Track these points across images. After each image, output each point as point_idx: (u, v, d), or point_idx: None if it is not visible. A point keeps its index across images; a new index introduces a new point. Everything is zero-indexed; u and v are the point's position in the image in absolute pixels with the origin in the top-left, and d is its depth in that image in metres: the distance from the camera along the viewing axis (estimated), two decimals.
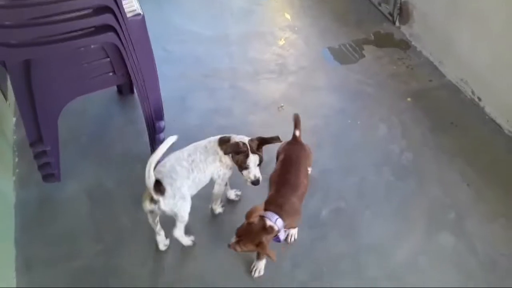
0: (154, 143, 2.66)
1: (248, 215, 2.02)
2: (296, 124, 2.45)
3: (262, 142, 2.21)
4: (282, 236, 2.08)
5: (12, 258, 2.31)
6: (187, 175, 2.16)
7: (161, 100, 2.61)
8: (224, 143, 2.23)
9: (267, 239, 1.98)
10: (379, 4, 4.00)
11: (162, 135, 2.68)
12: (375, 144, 2.92)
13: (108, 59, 2.22)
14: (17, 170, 2.74)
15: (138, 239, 2.41)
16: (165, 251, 2.36)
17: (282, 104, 3.20)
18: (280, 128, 2.94)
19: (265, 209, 2.07)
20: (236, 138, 2.23)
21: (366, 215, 2.53)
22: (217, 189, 2.38)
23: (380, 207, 2.57)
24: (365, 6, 4.17)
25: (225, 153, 2.18)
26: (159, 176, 2.07)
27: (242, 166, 2.18)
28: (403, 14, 3.74)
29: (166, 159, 2.17)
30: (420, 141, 2.92)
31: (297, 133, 2.45)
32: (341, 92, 3.31)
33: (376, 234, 2.44)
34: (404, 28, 3.78)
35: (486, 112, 3.07)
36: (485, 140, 2.93)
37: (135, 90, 2.61)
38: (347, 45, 3.72)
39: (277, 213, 2.04)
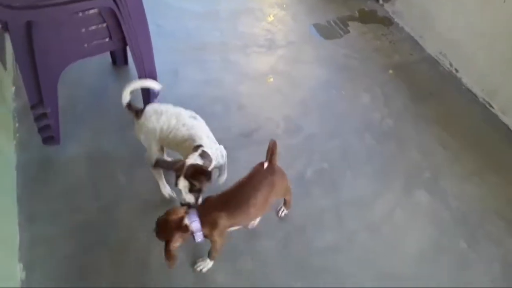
0: None
1: (170, 212, 1.99)
2: (272, 151, 2.20)
3: (202, 172, 2.02)
4: (198, 238, 2.00)
5: (15, 214, 2.43)
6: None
7: (155, 66, 2.73)
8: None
9: (180, 236, 1.95)
10: None
11: (156, 101, 2.81)
12: (358, 112, 3.09)
13: (105, 24, 2.35)
14: (17, 135, 2.86)
15: (135, 196, 2.56)
16: (160, 206, 2.51)
17: (271, 76, 3.36)
18: (268, 98, 3.12)
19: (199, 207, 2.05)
20: (194, 158, 2.08)
21: (348, 175, 2.71)
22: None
23: (361, 168, 2.74)
24: None
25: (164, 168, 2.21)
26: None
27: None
28: None
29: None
30: (400, 110, 3.10)
31: (274, 160, 2.21)
32: (327, 65, 3.47)
33: (356, 191, 2.63)
34: (387, 6, 3.95)
35: (463, 82, 3.26)
36: (461, 108, 3.12)
37: (131, 57, 2.71)
38: (333, 22, 3.87)
39: (200, 216, 1.99)
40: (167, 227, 1.96)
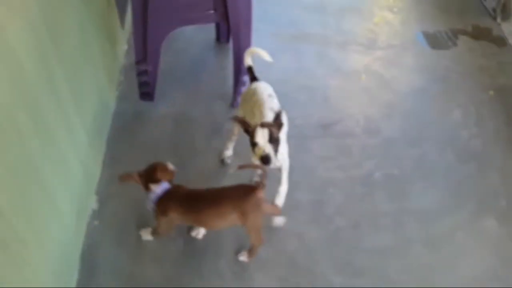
0: (238, 84, 2.96)
1: (163, 165, 2.18)
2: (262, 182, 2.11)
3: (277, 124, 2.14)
4: (148, 205, 2.14)
5: (102, 153, 2.74)
6: None
7: (251, 44, 2.86)
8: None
9: (141, 183, 2.13)
10: None
11: (246, 78, 2.95)
12: (445, 127, 2.98)
13: None
14: (120, 87, 3.19)
15: (207, 161, 2.74)
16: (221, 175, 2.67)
17: (363, 75, 3.35)
18: (355, 96, 3.15)
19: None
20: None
21: (418, 186, 2.65)
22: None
23: (434, 182, 2.66)
24: None
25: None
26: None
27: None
28: (505, 10, 3.66)
29: None
30: (492, 132, 2.93)
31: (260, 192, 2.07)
32: (425, 74, 3.37)
33: (422, 204, 2.56)
34: (504, 25, 3.70)
35: None
36: None
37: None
38: (443, 32, 3.73)
39: (165, 194, 2.12)
40: (148, 170, 2.14)
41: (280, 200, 2.39)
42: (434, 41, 3.65)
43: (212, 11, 2.63)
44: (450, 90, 3.22)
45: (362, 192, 2.63)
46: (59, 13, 2.14)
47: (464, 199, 2.58)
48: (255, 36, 3.53)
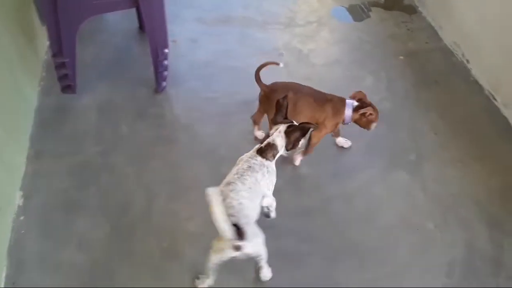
0: (158, 69, 3.01)
1: None
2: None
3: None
4: None
5: (25, 148, 2.74)
6: (251, 205, 1.98)
7: (166, 32, 2.91)
8: (264, 151, 2.10)
9: None
10: None
11: (166, 62, 3.03)
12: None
13: None
14: (42, 83, 3.18)
15: (132, 145, 2.81)
16: (152, 157, 2.74)
17: (282, 51, 3.49)
18: (275, 72, 3.27)
19: None
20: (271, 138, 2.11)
21: (334, 148, 2.81)
22: (268, 201, 2.22)
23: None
24: None
25: (298, 140, 2.12)
26: (234, 220, 1.83)
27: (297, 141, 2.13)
28: None
29: (228, 200, 1.92)
30: (401, 94, 3.14)
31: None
32: (339, 47, 3.56)
33: (339, 164, 2.73)
34: None
35: (472, 74, 3.24)
36: (464, 98, 3.12)
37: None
38: (357, 6, 3.92)
39: None
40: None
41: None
42: (347, 15, 3.85)
43: None
44: (363, 59, 3.41)
45: (284, 160, 2.76)
46: None
47: (377, 156, 2.77)
48: (179, 23, 3.63)
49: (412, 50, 3.48)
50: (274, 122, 2.16)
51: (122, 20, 3.67)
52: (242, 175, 2.02)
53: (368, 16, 3.80)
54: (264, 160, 2.09)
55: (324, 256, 2.35)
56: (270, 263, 2.16)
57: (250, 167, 2.05)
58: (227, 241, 1.80)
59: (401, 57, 3.40)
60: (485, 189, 2.62)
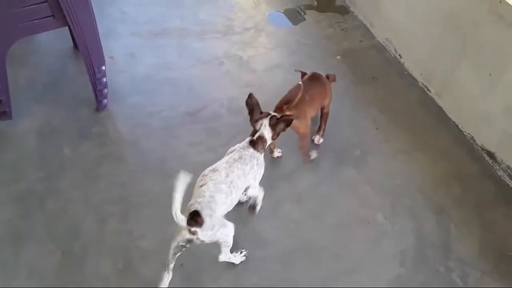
0: (97, 86, 2.94)
1: None
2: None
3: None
4: None
5: None
6: (225, 200, 2.03)
7: (100, 45, 2.84)
8: (256, 143, 2.19)
9: None
10: None
11: (104, 79, 2.96)
12: None
13: (47, 3, 2.50)
14: None
15: (77, 167, 2.72)
16: (97, 178, 2.67)
17: (223, 60, 3.50)
18: (217, 80, 3.29)
19: None
20: (261, 132, 2.22)
21: (282, 151, 2.84)
22: (253, 192, 2.29)
23: (295, 144, 2.85)
24: None
25: (283, 130, 2.24)
26: (198, 207, 1.93)
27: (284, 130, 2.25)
28: None
29: (205, 187, 2.00)
30: (341, 92, 3.21)
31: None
32: (278, 51, 3.61)
33: (287, 166, 2.77)
34: None
35: (405, 67, 3.39)
36: (400, 91, 3.25)
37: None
38: (292, 10, 4.00)
39: None
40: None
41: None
42: (283, 19, 3.91)
43: (51, 18, 2.58)
44: (303, 61, 3.48)
45: None
46: None
47: (324, 154, 2.82)
48: (115, 39, 3.57)
49: (348, 49, 3.59)
50: (255, 121, 2.26)
51: (55, 40, 3.55)
52: (231, 166, 2.09)
53: (304, 19, 3.89)
54: (255, 152, 2.18)
55: (279, 258, 2.38)
56: (226, 272, 2.16)
57: (240, 158, 2.13)
58: (183, 227, 1.89)
59: (338, 57, 3.50)
60: (428, 177, 2.75)
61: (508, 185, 2.73)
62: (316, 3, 4.07)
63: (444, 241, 2.48)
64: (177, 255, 2.05)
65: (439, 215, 2.58)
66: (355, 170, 2.76)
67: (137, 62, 3.48)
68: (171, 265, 2.09)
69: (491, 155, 2.82)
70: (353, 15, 3.94)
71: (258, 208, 2.43)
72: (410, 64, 3.35)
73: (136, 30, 3.75)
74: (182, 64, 3.47)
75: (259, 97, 3.15)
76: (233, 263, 2.32)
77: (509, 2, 2.35)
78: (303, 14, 3.95)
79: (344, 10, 3.98)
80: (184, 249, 2.01)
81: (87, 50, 2.74)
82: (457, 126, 3.03)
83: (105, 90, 3.04)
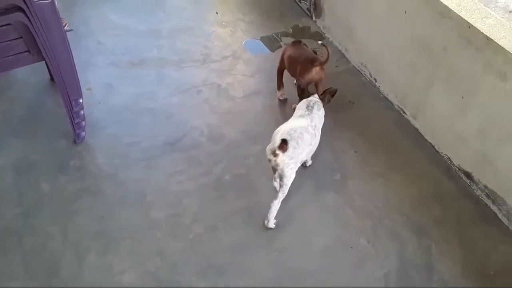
0: (74, 119, 2.92)
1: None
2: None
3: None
4: None
5: None
6: (310, 141, 2.55)
7: (77, 79, 2.83)
8: (326, 94, 2.83)
9: None
10: (300, 1, 4.38)
11: (82, 112, 2.95)
12: (280, 120, 3.21)
13: (22, 39, 2.49)
14: None
15: (55, 202, 2.68)
16: (76, 211, 2.63)
17: (201, 88, 3.52)
18: (196, 109, 3.29)
19: None
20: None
21: (263, 179, 2.85)
22: (316, 144, 2.74)
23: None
24: (289, 3, 4.52)
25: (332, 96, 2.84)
26: (288, 138, 2.41)
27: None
28: (317, 8, 4.11)
29: (297, 126, 2.52)
30: None
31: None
32: (256, 78, 3.64)
33: (269, 194, 2.75)
34: (319, 22, 4.16)
35: (381, 91, 3.45)
36: (377, 114, 3.30)
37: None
38: (267, 38, 4.06)
39: None
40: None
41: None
42: (260, 47, 3.96)
43: (26, 53, 2.58)
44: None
45: (215, 196, 2.77)
46: None
47: (304, 180, 2.83)
48: (92, 70, 3.57)
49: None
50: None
51: (31, 72, 3.52)
52: (311, 112, 2.66)
53: (280, 46, 3.95)
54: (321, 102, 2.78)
55: None
56: None
57: (315, 104, 2.72)
58: (273, 146, 2.40)
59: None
60: (407, 199, 2.77)
61: (486, 204, 2.78)
62: (291, 30, 4.14)
63: (426, 262, 2.50)
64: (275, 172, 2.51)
65: (420, 236, 2.60)
66: (336, 194, 2.78)
67: (115, 92, 3.47)
68: (275, 175, 2.55)
69: (468, 175, 2.87)
70: (328, 40, 4.01)
71: (309, 163, 2.89)
72: (385, 88, 3.42)
73: (113, 60, 3.76)
74: (161, 93, 3.47)
75: (239, 124, 3.22)
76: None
77: (477, 28, 2.43)
78: (279, 41, 4.02)
79: (319, 36, 4.06)
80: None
81: (64, 84, 2.73)
82: (433, 147, 3.08)
83: (83, 123, 3.02)
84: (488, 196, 2.77)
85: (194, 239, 2.54)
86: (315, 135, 2.63)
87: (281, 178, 2.48)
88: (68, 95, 2.78)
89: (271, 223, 2.58)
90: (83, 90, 2.97)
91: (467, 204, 2.79)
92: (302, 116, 2.62)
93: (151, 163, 2.93)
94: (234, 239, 2.55)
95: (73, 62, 2.77)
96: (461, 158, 2.91)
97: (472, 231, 2.66)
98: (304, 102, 2.75)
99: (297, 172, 2.70)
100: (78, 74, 2.83)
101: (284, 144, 2.38)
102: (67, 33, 2.66)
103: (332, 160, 2.97)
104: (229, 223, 2.62)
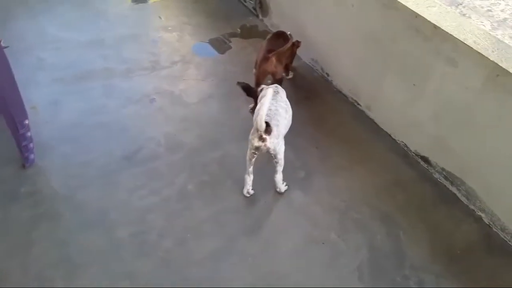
0: (21, 142, 2.75)
1: None
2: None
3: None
4: None
5: None
6: (285, 115, 2.67)
7: (21, 99, 2.66)
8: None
9: None
10: (245, 1, 4.35)
11: (28, 133, 2.77)
12: (238, 123, 3.20)
13: None
14: None
15: (9, 233, 2.51)
16: (35, 241, 2.48)
17: (154, 97, 3.41)
18: (151, 118, 3.18)
19: None
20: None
21: (228, 184, 2.80)
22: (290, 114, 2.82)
23: (239, 175, 2.82)
24: (234, 4, 4.48)
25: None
26: (267, 119, 2.48)
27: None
28: (263, 7, 4.10)
29: (270, 105, 2.58)
30: None
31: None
32: (209, 81, 3.58)
33: (235, 199, 2.72)
34: (266, 20, 4.15)
35: (334, 85, 3.49)
36: (332, 108, 3.34)
37: None
38: (216, 40, 4.00)
39: None
40: None
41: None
42: (209, 49, 3.91)
43: None
44: (234, 89, 3.42)
45: (180, 207, 2.69)
46: None
47: (270, 181, 2.79)
48: (34, 88, 3.38)
49: None
50: (258, 92, 2.89)
51: None
52: (278, 93, 2.78)
53: (230, 47, 3.91)
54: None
55: None
56: None
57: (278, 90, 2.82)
58: (257, 132, 2.45)
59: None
60: (371, 189, 2.82)
61: (445, 186, 2.87)
62: (239, 30, 4.11)
63: (396, 250, 2.55)
64: (252, 161, 2.60)
65: (387, 224, 2.65)
66: (302, 192, 2.78)
67: (62, 109, 3.30)
68: (250, 169, 2.65)
69: (426, 159, 2.95)
70: None
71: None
72: (338, 82, 3.45)
73: (57, 76, 3.57)
74: (111, 105, 3.34)
75: (196, 130, 3.15)
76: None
77: (424, 17, 2.48)
78: (228, 42, 3.97)
79: (266, 35, 4.03)
80: (255, 155, 2.56)
81: (6, 105, 2.56)
82: (389, 135, 3.15)
83: (31, 145, 2.85)
84: (446, 178, 2.86)
85: (164, 256, 2.46)
86: (287, 110, 2.73)
87: (275, 156, 2.60)
88: (12, 117, 2.61)
89: (283, 188, 2.76)
90: (27, 109, 2.79)
91: (428, 188, 2.87)
92: (272, 97, 2.66)
93: (110, 180, 2.81)
94: (206, 250, 2.49)
95: (15, 81, 2.60)
96: (417, 144, 2.99)
97: (435, 213, 2.74)
98: (269, 87, 2.80)
99: (261, 175, 2.69)
100: (21, 94, 2.67)
101: (267, 127, 2.45)
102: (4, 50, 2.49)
103: (294, 159, 2.96)
104: (198, 234, 2.55)
